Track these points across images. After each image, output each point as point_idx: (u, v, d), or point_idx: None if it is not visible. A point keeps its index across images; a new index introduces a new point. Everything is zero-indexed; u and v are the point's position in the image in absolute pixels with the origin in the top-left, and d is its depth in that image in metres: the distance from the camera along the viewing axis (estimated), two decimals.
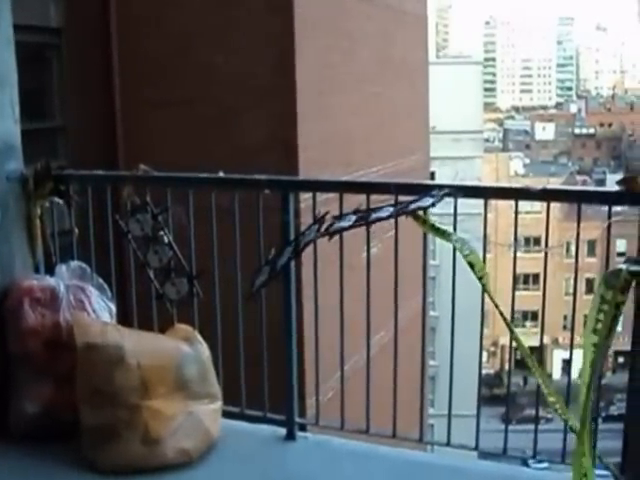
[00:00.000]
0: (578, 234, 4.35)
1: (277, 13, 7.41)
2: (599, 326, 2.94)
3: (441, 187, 4.26)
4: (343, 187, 4.84)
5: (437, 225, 4.18)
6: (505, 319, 4.00)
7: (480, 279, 4.00)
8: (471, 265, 3.98)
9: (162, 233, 4.83)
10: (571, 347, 4.70)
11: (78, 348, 4.34)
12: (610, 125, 78.96)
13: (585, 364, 2.97)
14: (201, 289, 4.88)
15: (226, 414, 4.70)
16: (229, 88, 7.58)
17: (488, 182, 42.81)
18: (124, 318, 5.03)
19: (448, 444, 4.68)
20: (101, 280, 4.90)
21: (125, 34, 8.13)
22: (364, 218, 4.32)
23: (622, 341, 11.19)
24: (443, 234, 4.14)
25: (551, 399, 3.95)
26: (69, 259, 5.05)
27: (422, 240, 4.73)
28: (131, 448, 4.25)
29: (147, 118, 8.20)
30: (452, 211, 4.35)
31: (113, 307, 4.86)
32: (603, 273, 3.02)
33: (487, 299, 4.13)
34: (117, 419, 4.26)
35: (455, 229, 4.34)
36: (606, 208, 4.13)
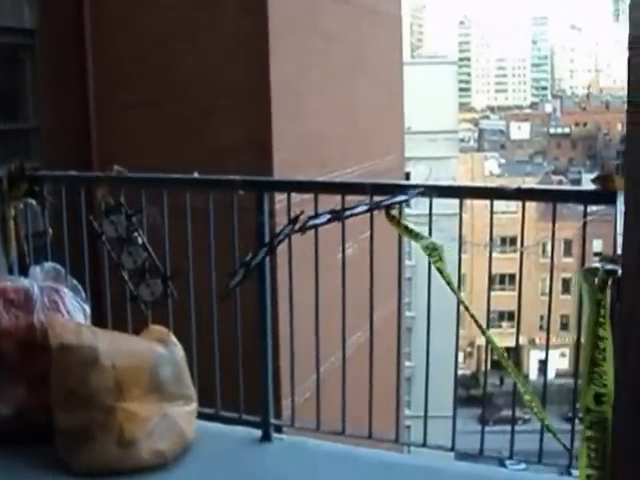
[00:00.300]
0: (553, 233, 4.36)
1: (251, 14, 7.39)
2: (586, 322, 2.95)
3: (416, 187, 4.28)
4: (318, 187, 4.85)
5: (410, 227, 4.20)
6: (477, 322, 4.02)
7: (449, 284, 4.03)
8: (440, 271, 4.01)
9: (136, 234, 4.82)
10: (547, 347, 4.72)
11: (52, 349, 4.32)
12: (585, 124, 79.18)
13: (586, 361, 2.97)
14: (176, 290, 4.87)
15: (201, 415, 4.68)
16: (203, 89, 7.57)
17: (463, 182, 42.91)
18: (98, 319, 5.01)
19: (424, 445, 4.68)
20: (75, 281, 4.88)
21: (99, 36, 8.10)
22: (338, 215, 4.33)
23: None
24: (416, 237, 4.16)
25: (527, 397, 3.97)
26: (43, 260, 5.03)
27: (397, 241, 4.74)
28: (106, 450, 4.23)
29: (121, 119, 8.17)
30: (427, 211, 4.37)
31: (87, 308, 4.84)
32: (579, 271, 3.03)
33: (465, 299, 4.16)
34: (92, 421, 4.24)
35: (430, 229, 4.36)
36: (582, 208, 4.16)
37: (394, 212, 4.23)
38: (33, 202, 5.07)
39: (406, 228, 4.21)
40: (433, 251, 4.04)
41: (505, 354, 4.16)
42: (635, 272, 1.85)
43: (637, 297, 1.74)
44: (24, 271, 4.97)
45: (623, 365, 2.03)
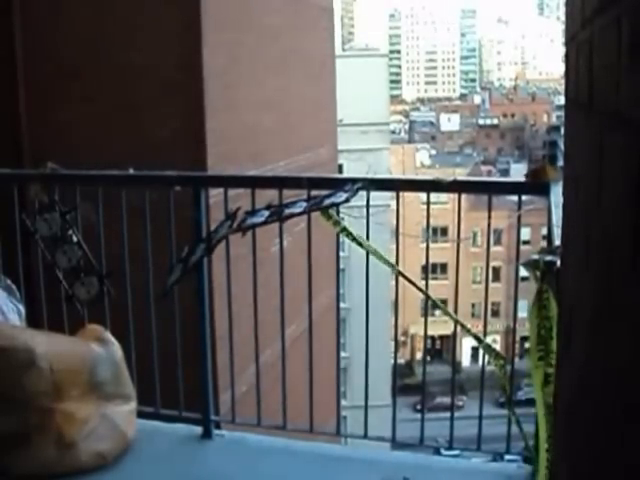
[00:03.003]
0: (489, 225, 4.40)
1: (184, 7, 7.34)
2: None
3: (354, 181, 4.27)
4: (255, 182, 4.83)
5: (349, 229, 4.23)
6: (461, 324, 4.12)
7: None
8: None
9: (71, 232, 4.74)
10: (484, 334, 4.79)
11: None
12: (513, 115, 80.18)
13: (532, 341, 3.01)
14: (112, 288, 4.81)
15: (141, 414, 4.64)
16: (137, 84, 7.49)
17: (398, 174, 43.14)
18: (34, 319, 4.93)
19: (365, 436, 4.70)
20: (9, 281, 4.79)
21: (29, 30, 7.97)
22: (277, 213, 4.31)
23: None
24: (354, 239, 4.21)
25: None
26: None
27: (332, 233, 4.74)
28: (44, 453, 4.16)
29: (53, 115, 8.05)
30: (360, 203, 4.38)
31: (22, 308, 4.75)
32: (521, 263, 3.08)
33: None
34: (29, 424, 4.16)
35: (368, 222, 4.37)
36: (512, 197, 4.22)
37: (331, 211, 4.23)
38: None
39: (344, 229, 4.23)
40: (375, 253, 4.13)
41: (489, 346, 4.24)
42: (574, 263, 1.87)
43: (576, 288, 1.76)
44: None
45: (565, 354, 2.05)
